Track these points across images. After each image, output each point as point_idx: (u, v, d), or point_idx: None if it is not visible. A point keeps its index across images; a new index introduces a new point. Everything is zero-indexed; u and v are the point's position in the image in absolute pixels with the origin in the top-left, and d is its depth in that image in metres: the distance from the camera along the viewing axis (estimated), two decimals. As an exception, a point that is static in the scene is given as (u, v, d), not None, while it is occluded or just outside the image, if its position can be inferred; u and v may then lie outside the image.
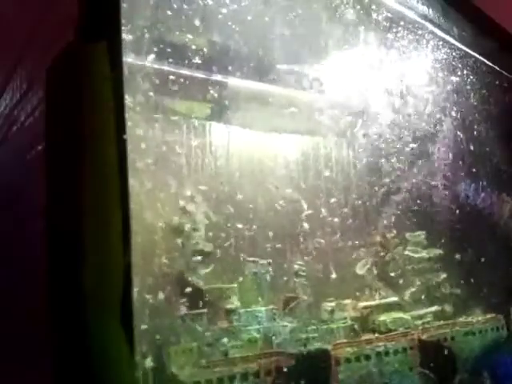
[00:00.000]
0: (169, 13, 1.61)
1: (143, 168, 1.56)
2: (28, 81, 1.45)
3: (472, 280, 2.25)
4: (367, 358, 1.80)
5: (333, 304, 1.88)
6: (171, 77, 1.68)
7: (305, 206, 1.96)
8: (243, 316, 1.68)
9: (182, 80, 1.70)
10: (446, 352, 1.98)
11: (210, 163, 1.79)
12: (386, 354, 1.84)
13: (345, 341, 1.80)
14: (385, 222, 2.12)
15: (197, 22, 1.66)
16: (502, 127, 2.47)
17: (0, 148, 1.71)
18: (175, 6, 1.62)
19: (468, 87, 2.36)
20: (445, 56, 2.27)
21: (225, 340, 1.61)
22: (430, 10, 2.11)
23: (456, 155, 2.35)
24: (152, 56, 1.60)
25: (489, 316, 2.16)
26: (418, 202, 2.20)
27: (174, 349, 1.51)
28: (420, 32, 2.16)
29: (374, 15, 2.04)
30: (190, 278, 1.64)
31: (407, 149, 2.19)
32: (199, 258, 1.67)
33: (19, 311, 1.40)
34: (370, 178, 2.11)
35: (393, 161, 2.15)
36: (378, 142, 2.13)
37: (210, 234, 1.71)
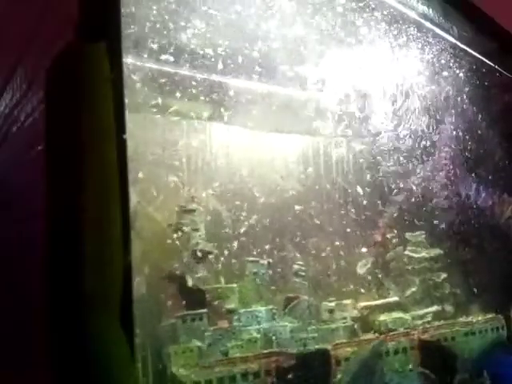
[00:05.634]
0: (169, 13, 1.61)
1: (143, 168, 1.56)
2: (28, 81, 1.45)
3: (472, 280, 2.25)
4: (367, 358, 1.80)
5: (333, 304, 1.89)
6: (171, 77, 1.68)
7: (305, 207, 1.96)
8: (243, 316, 1.69)
9: (182, 80, 1.70)
10: (445, 352, 1.98)
11: (210, 163, 1.79)
12: (386, 353, 1.84)
13: (345, 341, 1.80)
14: (385, 221, 2.12)
15: (197, 23, 1.66)
16: (502, 127, 2.46)
17: (0, 148, 1.71)
18: (175, 7, 1.62)
19: (468, 87, 2.36)
20: (445, 55, 2.27)
21: (225, 340, 1.61)
22: (430, 9, 2.11)
23: (457, 155, 2.34)
24: (152, 56, 1.60)
25: (489, 316, 2.16)
26: (419, 202, 2.20)
27: (174, 349, 1.51)
28: (420, 31, 2.16)
29: (375, 15, 2.04)
30: (190, 278, 1.64)
31: (408, 149, 2.19)
32: (199, 258, 1.67)
33: (19, 311, 1.40)
34: (370, 178, 2.11)
35: (394, 161, 2.15)
36: (379, 141, 2.13)
37: (210, 233, 1.71)
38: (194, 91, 1.72)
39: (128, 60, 1.42)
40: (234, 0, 1.74)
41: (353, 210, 2.05)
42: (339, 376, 1.72)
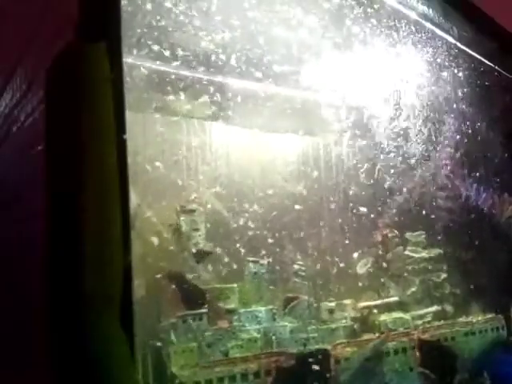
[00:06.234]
0: (169, 14, 1.61)
1: (143, 168, 1.56)
2: (28, 81, 1.45)
3: (472, 280, 2.24)
4: (367, 358, 1.80)
5: (333, 304, 1.89)
6: (171, 77, 1.68)
7: (305, 207, 1.96)
8: (243, 316, 1.68)
9: (182, 80, 1.70)
10: (445, 352, 1.98)
11: (211, 164, 1.79)
12: (387, 353, 1.84)
13: (345, 341, 1.80)
14: (386, 221, 2.12)
15: (197, 23, 1.66)
16: (502, 127, 2.46)
17: (0, 148, 1.71)
18: (175, 8, 1.62)
19: (468, 87, 2.36)
20: (445, 56, 2.27)
21: (225, 340, 1.61)
22: (430, 9, 2.11)
23: (457, 155, 2.34)
24: (152, 56, 1.60)
25: (489, 316, 2.16)
26: (419, 202, 2.20)
27: (174, 349, 1.51)
28: (420, 32, 2.16)
29: (375, 15, 2.04)
30: (189, 278, 1.64)
31: (409, 149, 2.19)
32: (199, 257, 1.67)
33: (19, 311, 1.40)
34: (370, 179, 2.11)
35: (394, 161, 2.15)
36: (380, 141, 2.13)
37: (211, 233, 1.71)
38: (194, 91, 1.72)
39: (128, 60, 1.42)
40: (236, 2, 1.74)
41: (353, 211, 2.05)
42: (339, 376, 1.71)
